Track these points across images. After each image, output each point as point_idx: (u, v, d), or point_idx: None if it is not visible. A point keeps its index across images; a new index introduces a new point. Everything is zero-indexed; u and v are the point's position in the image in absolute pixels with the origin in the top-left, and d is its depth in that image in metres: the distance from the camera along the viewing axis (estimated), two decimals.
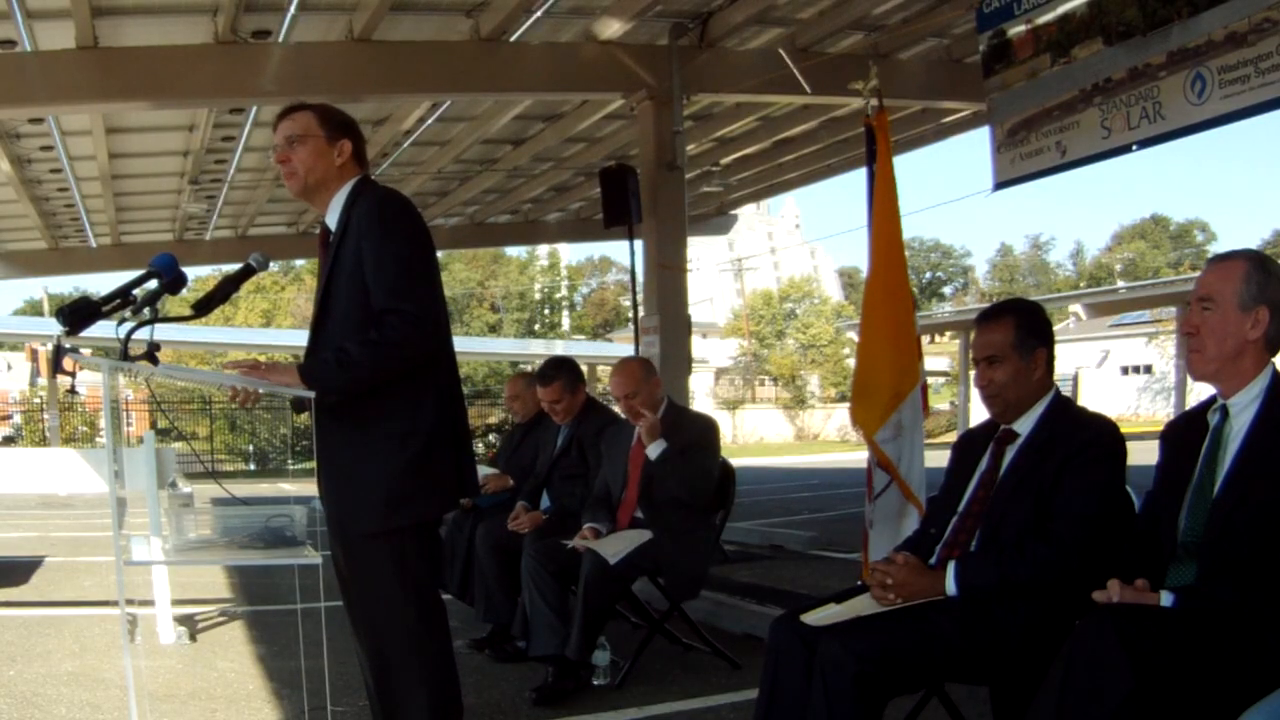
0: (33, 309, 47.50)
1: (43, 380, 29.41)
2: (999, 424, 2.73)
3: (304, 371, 2.62)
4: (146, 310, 2.88)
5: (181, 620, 5.02)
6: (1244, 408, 2.24)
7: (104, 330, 3.00)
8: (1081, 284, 62.90)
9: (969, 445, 2.81)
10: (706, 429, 4.46)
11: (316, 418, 2.66)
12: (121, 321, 2.85)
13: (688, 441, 4.30)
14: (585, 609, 3.92)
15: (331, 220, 2.80)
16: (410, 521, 2.74)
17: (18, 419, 30.21)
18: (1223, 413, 2.27)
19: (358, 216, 2.71)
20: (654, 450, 4.25)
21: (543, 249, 57.10)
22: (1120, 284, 45.65)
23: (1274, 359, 2.25)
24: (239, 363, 2.75)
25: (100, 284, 29.47)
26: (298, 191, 2.81)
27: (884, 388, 4.63)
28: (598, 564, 3.96)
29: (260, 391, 2.70)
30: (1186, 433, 2.35)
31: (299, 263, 50.10)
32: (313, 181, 2.78)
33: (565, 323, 60.39)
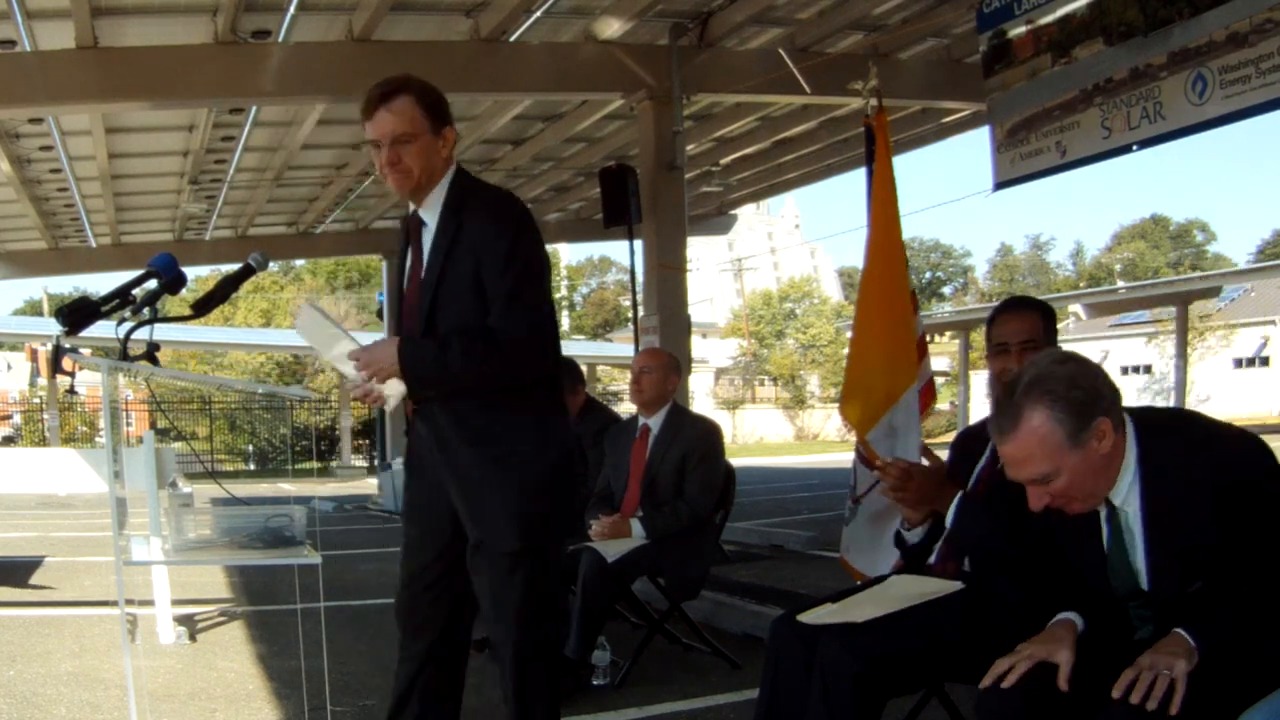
0: (32, 309, 47.52)
1: (42, 380, 29.40)
2: None
3: (406, 360, 2.52)
4: (146, 310, 2.88)
5: (181, 620, 5.01)
6: (1125, 493, 2.04)
7: (103, 330, 3.00)
8: (1081, 284, 62.90)
9: (969, 443, 2.81)
10: (709, 435, 4.45)
11: (441, 433, 2.61)
12: (121, 321, 2.85)
13: (689, 449, 4.31)
14: (584, 608, 3.92)
15: (429, 216, 2.62)
16: (552, 539, 2.69)
17: (17, 419, 30.25)
18: (1109, 507, 2.08)
19: (477, 227, 2.54)
20: (637, 538, 4.24)
21: None
22: (1120, 284, 45.66)
23: (1127, 419, 2.04)
24: (353, 355, 2.58)
25: (100, 284, 29.53)
26: (407, 190, 2.59)
27: (875, 389, 4.64)
28: (595, 563, 3.96)
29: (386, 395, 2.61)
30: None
31: (299, 263, 50.19)
32: (424, 180, 2.57)
33: (565, 323, 60.41)
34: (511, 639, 2.65)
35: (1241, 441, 2.02)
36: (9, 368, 40.61)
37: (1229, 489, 1.93)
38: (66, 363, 2.96)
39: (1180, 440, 2.04)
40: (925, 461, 2.78)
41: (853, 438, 4.91)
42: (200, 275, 29.06)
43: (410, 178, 2.54)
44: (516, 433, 2.58)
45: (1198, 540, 1.96)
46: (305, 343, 2.64)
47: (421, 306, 2.57)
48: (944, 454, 2.92)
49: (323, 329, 2.65)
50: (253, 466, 29.14)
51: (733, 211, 16.56)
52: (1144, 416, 2.07)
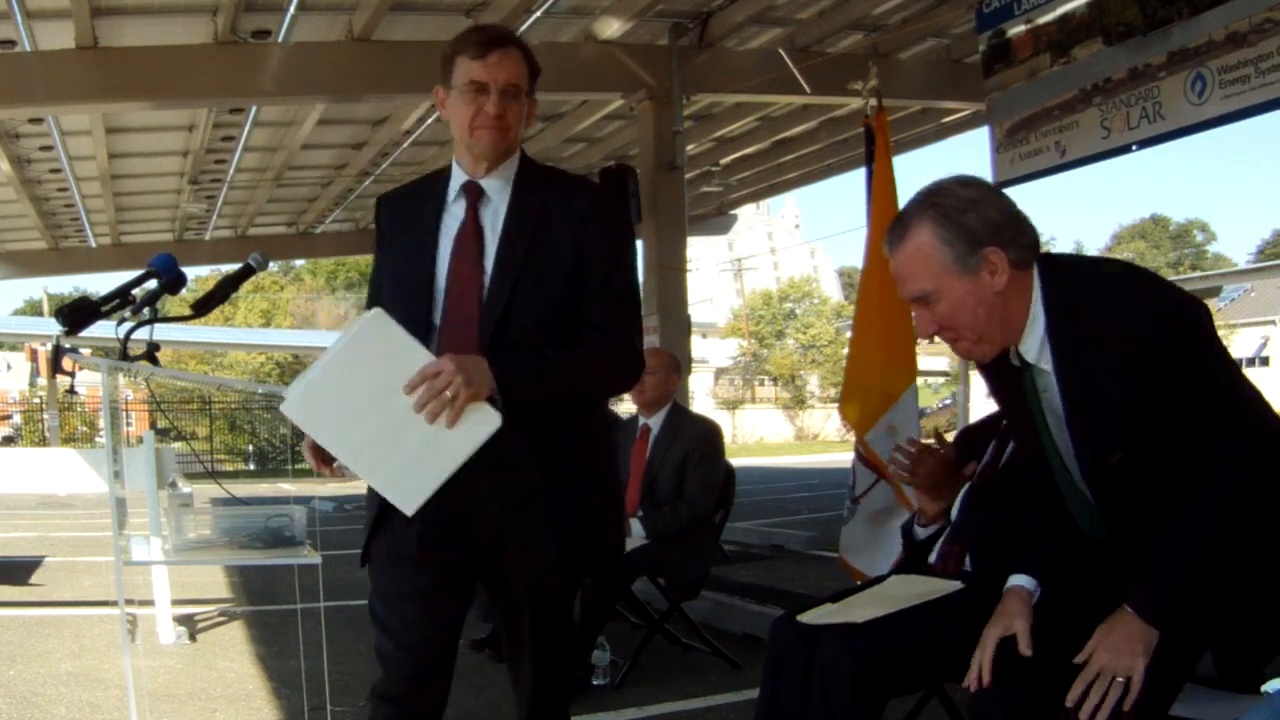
0: (32, 309, 47.50)
1: (42, 380, 29.38)
2: (999, 420, 2.72)
3: (503, 380, 1.95)
4: (146, 310, 2.88)
5: (181, 620, 5.02)
6: (1038, 349, 1.92)
7: (103, 330, 2.99)
8: None
9: (969, 440, 2.81)
10: (709, 436, 4.46)
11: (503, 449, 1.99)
12: (121, 321, 2.84)
13: (689, 449, 4.32)
14: (584, 606, 3.92)
15: (496, 189, 2.15)
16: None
17: (17, 419, 30.23)
18: (1021, 361, 1.96)
19: (577, 210, 2.13)
20: (636, 538, 4.22)
21: None
22: None
23: (1035, 265, 1.91)
24: (433, 369, 1.91)
25: (100, 284, 29.54)
26: (498, 151, 2.13)
27: (874, 389, 4.65)
28: None
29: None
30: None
31: (298, 263, 50.16)
32: (513, 144, 2.18)
33: None
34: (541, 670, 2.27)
35: (1162, 296, 1.87)
36: (9, 368, 40.59)
37: (1144, 343, 1.80)
38: (66, 363, 2.96)
39: (1092, 288, 1.89)
40: (934, 445, 2.76)
41: (852, 438, 4.92)
42: (200, 275, 29.08)
43: (506, 137, 2.12)
44: (587, 442, 2.23)
45: (1113, 399, 1.83)
46: (340, 359, 1.94)
47: (496, 292, 2.07)
48: None
49: (390, 343, 1.94)
50: (253, 466, 29.11)
51: (733, 211, 16.55)
52: (1055, 262, 1.92)
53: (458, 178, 2.17)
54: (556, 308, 2.09)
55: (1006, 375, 2.02)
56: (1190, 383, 1.81)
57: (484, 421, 1.92)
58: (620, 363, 2.15)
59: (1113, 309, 1.85)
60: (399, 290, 2.14)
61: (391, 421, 1.90)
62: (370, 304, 2.19)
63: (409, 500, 1.92)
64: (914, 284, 1.90)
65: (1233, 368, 1.87)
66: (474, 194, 2.15)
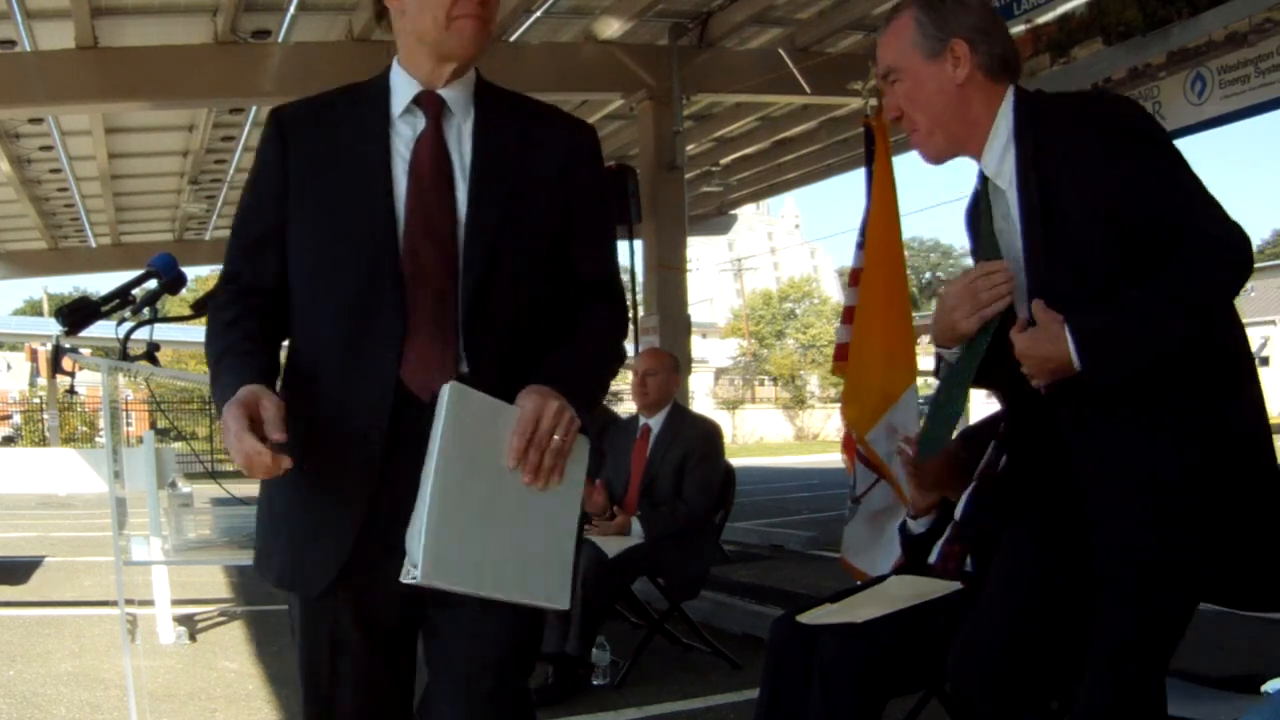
0: (32, 309, 47.49)
1: (42, 380, 29.38)
2: (999, 421, 2.73)
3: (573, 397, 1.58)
4: (146, 310, 2.88)
5: (181, 620, 5.01)
6: (998, 161, 1.88)
7: (104, 330, 3.00)
8: None
9: (969, 440, 2.81)
10: (709, 436, 4.47)
11: None
12: (121, 321, 2.85)
13: (689, 449, 4.32)
14: (583, 604, 3.92)
15: (456, 101, 1.68)
16: None
17: (17, 419, 30.21)
18: (981, 179, 1.93)
19: (565, 140, 1.75)
20: (635, 537, 4.24)
21: None
22: None
23: (1011, 83, 1.90)
24: (528, 422, 1.52)
25: (100, 284, 29.52)
26: (477, 50, 1.64)
27: (873, 389, 4.65)
28: (595, 559, 3.97)
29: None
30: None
31: None
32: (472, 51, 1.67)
33: None
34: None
35: (1132, 109, 1.91)
36: (9, 368, 40.58)
37: (1113, 151, 1.76)
38: (66, 363, 2.96)
39: (1060, 98, 1.95)
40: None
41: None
42: (200, 275, 29.04)
43: (489, 31, 1.66)
44: None
45: (1075, 223, 1.78)
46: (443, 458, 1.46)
47: (475, 233, 1.61)
48: None
49: (480, 419, 1.50)
50: None
51: (733, 211, 16.55)
52: (1031, 92, 1.94)
53: (404, 87, 1.67)
54: (546, 259, 1.68)
55: (979, 222, 1.97)
56: (1160, 195, 1.75)
57: (579, 453, 1.58)
58: (624, 333, 1.81)
59: (1079, 115, 1.84)
60: (345, 239, 1.61)
61: (514, 513, 1.52)
62: (263, 266, 1.67)
63: (560, 594, 1.56)
64: (883, 59, 1.93)
65: (1204, 189, 1.80)
66: (436, 106, 1.66)
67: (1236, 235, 1.76)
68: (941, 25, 1.86)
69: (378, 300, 1.58)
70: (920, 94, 1.88)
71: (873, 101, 4.95)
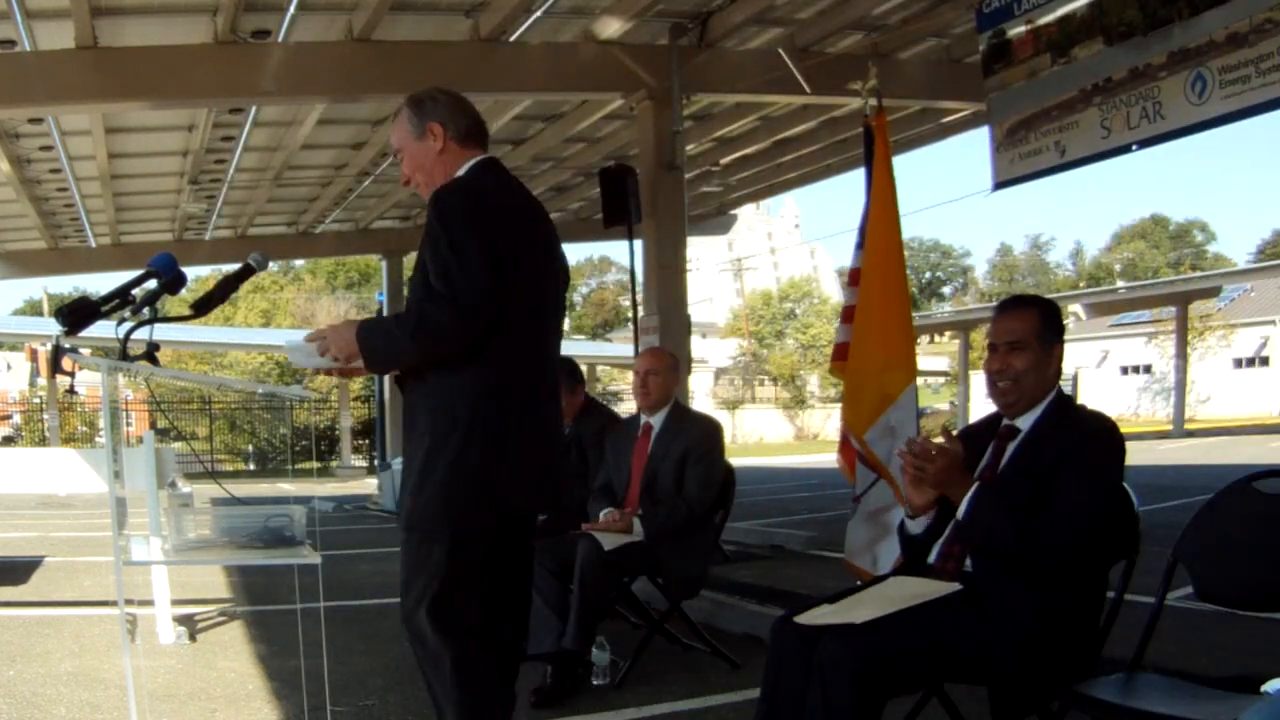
0: (32, 309, 47.55)
1: (42, 380, 29.43)
2: (999, 420, 2.73)
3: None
4: (146, 310, 2.88)
5: (181, 620, 5.01)
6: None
7: (103, 330, 2.99)
8: (1081, 284, 62.95)
9: (969, 440, 2.81)
10: (710, 433, 4.46)
11: None
12: (121, 321, 2.85)
13: (690, 446, 4.33)
14: (582, 598, 3.92)
15: None
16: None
17: (17, 419, 30.23)
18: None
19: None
20: (636, 534, 4.24)
21: None
22: (1120, 284, 45.67)
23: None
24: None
25: (100, 284, 29.48)
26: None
27: (872, 390, 4.65)
28: (592, 553, 3.97)
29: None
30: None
31: (299, 263, 50.21)
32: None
33: (565, 323, 60.30)
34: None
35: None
36: (9, 368, 40.62)
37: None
38: (66, 363, 2.96)
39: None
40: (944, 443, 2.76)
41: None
42: (200, 275, 29.14)
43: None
44: None
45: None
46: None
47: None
48: None
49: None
50: (253, 466, 29.14)
51: (733, 211, 16.57)
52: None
53: None
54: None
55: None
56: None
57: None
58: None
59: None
60: None
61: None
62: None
63: None
64: (392, 140, 2.78)
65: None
66: None
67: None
68: (422, 112, 2.67)
69: None
70: (411, 163, 2.71)
71: (872, 101, 4.95)
